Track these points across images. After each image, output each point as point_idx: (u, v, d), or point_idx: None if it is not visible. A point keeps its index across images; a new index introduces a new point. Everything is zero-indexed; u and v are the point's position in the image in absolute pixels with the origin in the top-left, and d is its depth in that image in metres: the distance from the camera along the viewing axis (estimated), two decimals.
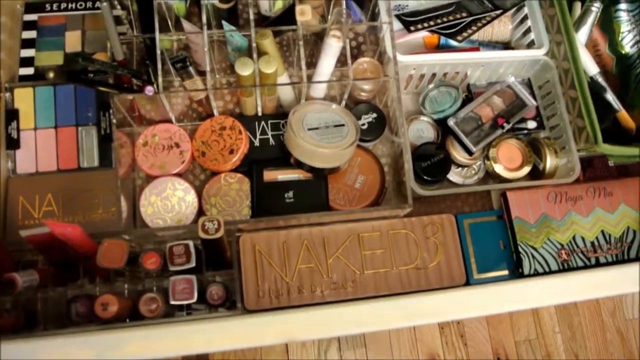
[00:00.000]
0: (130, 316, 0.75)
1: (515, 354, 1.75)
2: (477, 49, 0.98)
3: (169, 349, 0.51)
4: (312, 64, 0.92)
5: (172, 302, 0.73)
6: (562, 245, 0.89)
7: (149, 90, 0.77)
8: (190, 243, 0.74)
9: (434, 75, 0.95)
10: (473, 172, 0.95)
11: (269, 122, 0.91)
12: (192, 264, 0.74)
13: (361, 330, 0.61)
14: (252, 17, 0.83)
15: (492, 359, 1.74)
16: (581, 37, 0.96)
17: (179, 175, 0.88)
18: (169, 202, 0.85)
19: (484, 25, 0.95)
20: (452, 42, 0.97)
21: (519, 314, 1.79)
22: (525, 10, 0.97)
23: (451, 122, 0.89)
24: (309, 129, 0.82)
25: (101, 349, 0.52)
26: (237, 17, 0.96)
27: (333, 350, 1.67)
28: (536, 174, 0.93)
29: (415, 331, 1.72)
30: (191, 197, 0.86)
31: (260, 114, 0.91)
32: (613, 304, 1.84)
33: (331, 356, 1.67)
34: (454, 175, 0.94)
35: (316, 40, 0.97)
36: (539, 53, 0.93)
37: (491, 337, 1.76)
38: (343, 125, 0.84)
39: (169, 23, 0.89)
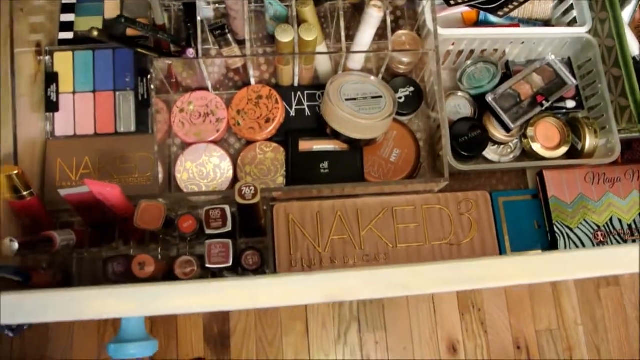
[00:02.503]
0: (165, 279, 0.76)
1: (536, 343, 1.74)
2: (517, 26, 0.96)
3: (211, 303, 0.51)
4: (348, 36, 0.91)
5: (208, 266, 0.73)
6: (598, 226, 0.88)
7: (190, 52, 0.77)
8: (227, 207, 0.74)
9: (472, 52, 0.94)
10: (509, 150, 0.93)
11: (305, 92, 0.91)
12: (229, 228, 0.74)
13: (402, 293, 0.59)
14: None
15: (512, 347, 1.73)
16: (624, 17, 0.94)
17: (214, 142, 0.88)
18: (205, 168, 0.86)
19: (525, 1, 0.94)
20: (492, 18, 0.96)
21: (541, 304, 1.77)
22: None
23: (490, 98, 0.88)
24: (347, 100, 0.82)
25: (141, 300, 0.52)
26: None
27: (353, 332, 1.67)
28: (574, 153, 0.92)
29: (435, 316, 1.71)
30: (226, 164, 0.86)
31: (296, 84, 0.91)
32: (637, 298, 1.81)
33: (351, 337, 1.67)
34: (489, 152, 0.93)
35: (354, 12, 0.96)
36: (581, 30, 0.91)
37: (512, 326, 1.74)
38: (381, 97, 0.84)
39: None
